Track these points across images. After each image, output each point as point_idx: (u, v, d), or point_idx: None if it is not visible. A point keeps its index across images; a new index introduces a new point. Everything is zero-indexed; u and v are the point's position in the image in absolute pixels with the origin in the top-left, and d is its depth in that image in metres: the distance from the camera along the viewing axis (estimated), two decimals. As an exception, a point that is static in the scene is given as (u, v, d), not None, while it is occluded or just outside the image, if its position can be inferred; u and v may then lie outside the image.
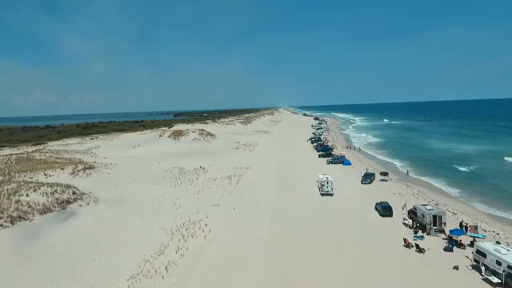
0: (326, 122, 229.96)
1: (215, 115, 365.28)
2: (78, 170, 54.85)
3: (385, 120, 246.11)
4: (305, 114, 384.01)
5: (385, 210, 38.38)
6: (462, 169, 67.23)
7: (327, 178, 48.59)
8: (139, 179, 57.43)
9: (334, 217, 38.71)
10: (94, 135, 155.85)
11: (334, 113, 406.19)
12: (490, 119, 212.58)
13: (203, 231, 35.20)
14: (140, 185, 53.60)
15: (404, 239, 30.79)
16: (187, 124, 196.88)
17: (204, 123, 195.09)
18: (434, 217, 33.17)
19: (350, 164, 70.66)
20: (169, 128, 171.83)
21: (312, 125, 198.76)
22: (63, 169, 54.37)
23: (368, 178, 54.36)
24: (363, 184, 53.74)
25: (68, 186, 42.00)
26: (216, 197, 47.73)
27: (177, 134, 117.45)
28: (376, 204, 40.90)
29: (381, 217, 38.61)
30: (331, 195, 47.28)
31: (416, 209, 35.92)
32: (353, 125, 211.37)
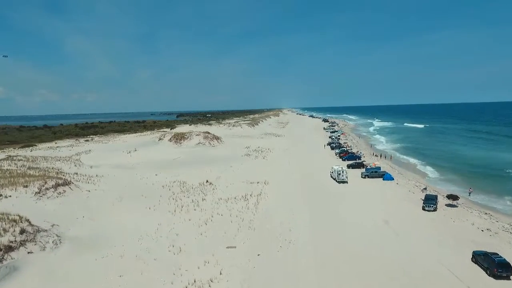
0: (338, 124, 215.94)
1: (218, 116, 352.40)
2: (47, 188, 41.48)
3: (393, 122, 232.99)
4: (311, 116, 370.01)
5: (501, 268, 24.60)
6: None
7: (341, 168, 55.77)
8: (128, 200, 43.92)
9: (419, 281, 24.98)
10: (91, 136, 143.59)
11: (337, 115, 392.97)
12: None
13: (216, 306, 21.70)
14: (128, 210, 40.05)
15: None
16: (190, 125, 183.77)
17: (208, 125, 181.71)
18: None
19: (393, 179, 56.83)
20: (171, 129, 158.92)
21: (324, 128, 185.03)
22: (26, 186, 41.00)
23: (432, 203, 40.56)
24: (426, 211, 40.07)
25: (15, 221, 28.53)
26: (231, 231, 34.20)
27: (179, 138, 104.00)
28: (477, 255, 27.10)
29: (492, 278, 24.91)
30: (346, 182, 54.24)
31: None
32: (362, 127, 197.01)
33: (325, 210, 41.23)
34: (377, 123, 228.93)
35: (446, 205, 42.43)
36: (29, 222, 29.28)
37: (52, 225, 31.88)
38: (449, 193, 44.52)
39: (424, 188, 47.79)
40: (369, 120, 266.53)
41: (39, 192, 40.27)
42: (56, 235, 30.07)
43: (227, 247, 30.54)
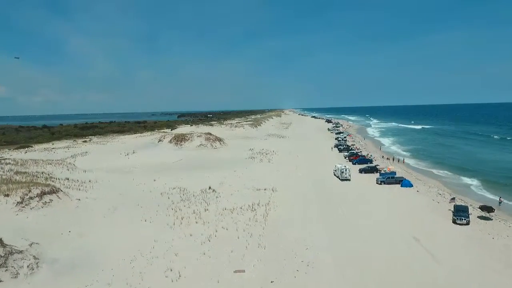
0: (342, 125, 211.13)
1: (220, 116, 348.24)
2: (31, 197, 36.98)
3: (393, 123, 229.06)
4: (314, 117, 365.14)
5: None
6: None
7: (345, 166, 57.29)
8: (122, 210, 39.39)
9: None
10: (90, 136, 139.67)
11: (337, 115, 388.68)
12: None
13: None
14: (121, 223, 35.54)
15: None
16: (191, 125, 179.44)
17: (210, 125, 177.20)
18: None
19: (412, 185, 52.17)
20: (171, 130, 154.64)
21: (328, 129, 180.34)
22: (8, 195, 36.50)
23: (464, 215, 35.87)
24: (458, 225, 35.43)
25: (-17, 242, 24.05)
26: (238, 250, 29.64)
27: (180, 139, 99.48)
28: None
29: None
30: (349, 180, 55.66)
31: None
32: (367, 128, 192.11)
33: (344, 223, 36.60)
34: (375, 124, 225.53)
35: (478, 217, 37.76)
36: (1, 243, 24.77)
37: (31, 244, 27.34)
38: (482, 204, 39.88)
39: (452, 198, 43.03)
40: (367, 121, 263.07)
41: (21, 202, 35.72)
42: (34, 256, 25.53)
43: (235, 271, 26.01)
